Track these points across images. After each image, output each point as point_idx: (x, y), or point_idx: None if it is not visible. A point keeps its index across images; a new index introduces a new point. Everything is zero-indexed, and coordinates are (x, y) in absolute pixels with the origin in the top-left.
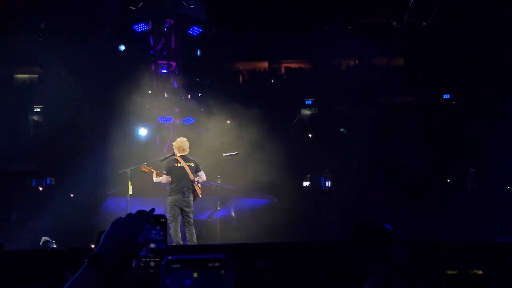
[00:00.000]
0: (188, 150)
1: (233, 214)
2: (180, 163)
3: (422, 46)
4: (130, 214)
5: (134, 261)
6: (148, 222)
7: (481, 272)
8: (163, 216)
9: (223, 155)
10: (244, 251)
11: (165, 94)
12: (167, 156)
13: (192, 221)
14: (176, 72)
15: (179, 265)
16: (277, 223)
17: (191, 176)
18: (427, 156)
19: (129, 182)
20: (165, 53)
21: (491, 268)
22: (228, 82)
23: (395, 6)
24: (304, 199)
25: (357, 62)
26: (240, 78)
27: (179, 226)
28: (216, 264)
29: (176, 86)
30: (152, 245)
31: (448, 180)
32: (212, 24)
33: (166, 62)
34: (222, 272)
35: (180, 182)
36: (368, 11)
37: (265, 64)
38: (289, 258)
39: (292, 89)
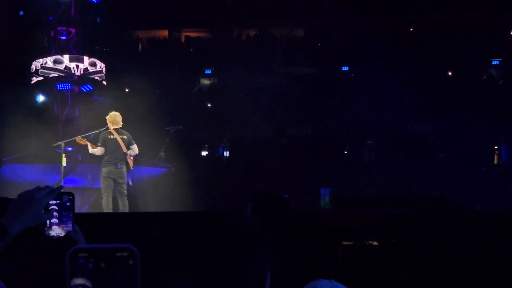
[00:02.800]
0: (121, 124)
1: (130, 183)
2: (113, 135)
3: (323, 18)
4: (38, 187)
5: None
6: (56, 198)
7: (376, 243)
8: (71, 194)
9: (165, 128)
10: (141, 219)
11: (64, 60)
12: (101, 129)
13: (125, 192)
14: (75, 39)
15: (86, 254)
16: (175, 192)
17: (124, 149)
18: (325, 127)
19: (63, 155)
20: (65, 19)
21: (386, 239)
22: (127, 50)
23: None
24: (202, 168)
25: (257, 32)
26: (140, 46)
27: (111, 197)
28: (125, 254)
29: (75, 53)
30: (59, 221)
31: (346, 152)
32: None
33: (65, 28)
34: (131, 262)
35: (114, 153)
36: None
37: (165, 33)
38: (186, 227)
39: (192, 58)
